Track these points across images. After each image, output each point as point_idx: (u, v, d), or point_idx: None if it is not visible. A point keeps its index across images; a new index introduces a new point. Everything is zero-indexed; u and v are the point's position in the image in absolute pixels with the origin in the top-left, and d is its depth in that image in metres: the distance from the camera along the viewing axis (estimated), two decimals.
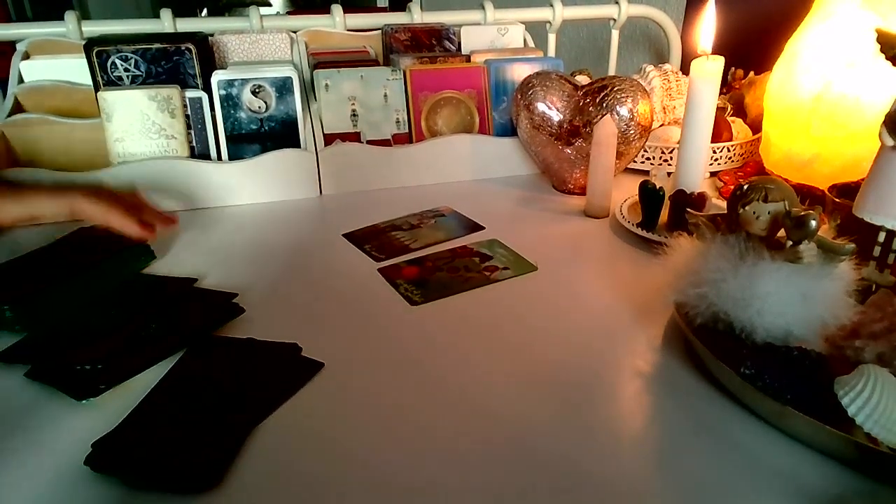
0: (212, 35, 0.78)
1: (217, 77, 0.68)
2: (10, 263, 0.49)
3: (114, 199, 0.47)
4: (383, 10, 2.40)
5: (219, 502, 0.31)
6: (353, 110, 0.75)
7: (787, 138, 0.66)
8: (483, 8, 0.93)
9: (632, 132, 0.67)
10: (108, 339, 0.42)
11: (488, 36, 0.89)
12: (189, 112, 0.69)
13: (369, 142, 0.76)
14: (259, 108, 0.70)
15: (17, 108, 0.72)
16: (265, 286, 0.53)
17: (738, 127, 0.80)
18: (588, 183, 0.66)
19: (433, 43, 0.87)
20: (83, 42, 0.70)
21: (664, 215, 0.62)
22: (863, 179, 0.45)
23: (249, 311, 0.48)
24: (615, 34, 1.07)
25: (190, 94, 0.68)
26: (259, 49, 0.81)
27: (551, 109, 0.70)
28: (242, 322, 0.47)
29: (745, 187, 0.38)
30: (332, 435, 0.35)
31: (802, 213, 0.35)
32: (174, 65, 0.69)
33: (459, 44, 0.88)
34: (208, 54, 0.74)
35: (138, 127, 0.67)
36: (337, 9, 0.90)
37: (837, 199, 0.51)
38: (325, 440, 0.35)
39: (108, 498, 0.31)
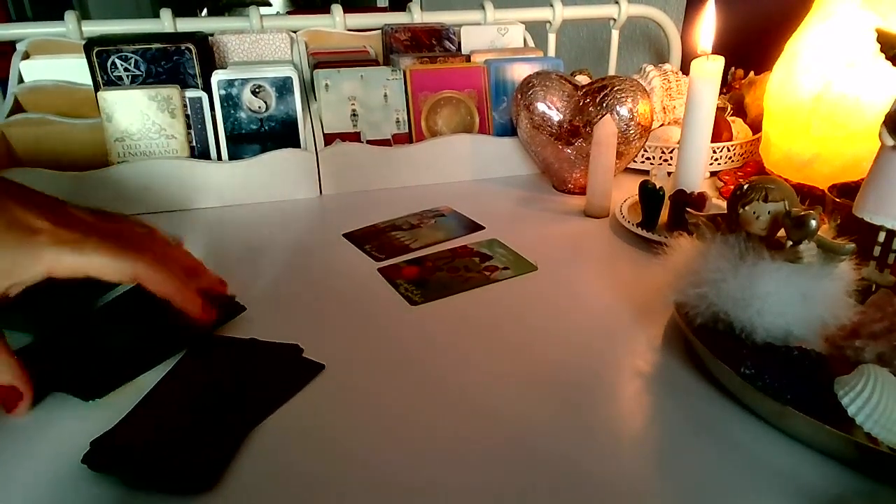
0: (212, 35, 0.78)
1: (217, 77, 0.68)
2: None
3: (178, 268, 0.41)
4: (383, 10, 2.40)
5: (218, 502, 0.31)
6: (353, 110, 0.75)
7: (787, 138, 0.66)
8: (483, 8, 0.93)
9: (632, 132, 0.67)
10: (111, 340, 0.42)
11: (488, 36, 0.89)
12: (189, 112, 0.69)
13: (369, 142, 0.76)
14: (259, 108, 0.70)
15: (17, 108, 0.72)
16: (265, 286, 0.53)
17: (738, 127, 0.80)
18: (588, 183, 0.66)
19: (433, 43, 0.87)
20: (83, 42, 0.70)
21: (664, 215, 0.62)
22: (863, 179, 0.45)
23: (249, 311, 0.48)
24: (615, 34, 1.07)
25: (190, 94, 0.68)
26: (259, 49, 0.81)
27: (551, 109, 0.70)
28: (243, 322, 0.47)
29: (745, 187, 0.38)
30: (332, 435, 0.35)
31: (802, 213, 0.35)
32: (174, 65, 0.69)
33: (459, 44, 0.88)
34: (208, 54, 0.74)
35: (138, 127, 0.67)
36: (337, 9, 0.90)
37: (837, 199, 0.51)
38: (325, 440, 0.35)
39: (107, 498, 0.31)
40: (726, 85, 0.93)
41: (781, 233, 0.38)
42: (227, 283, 0.47)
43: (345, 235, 0.62)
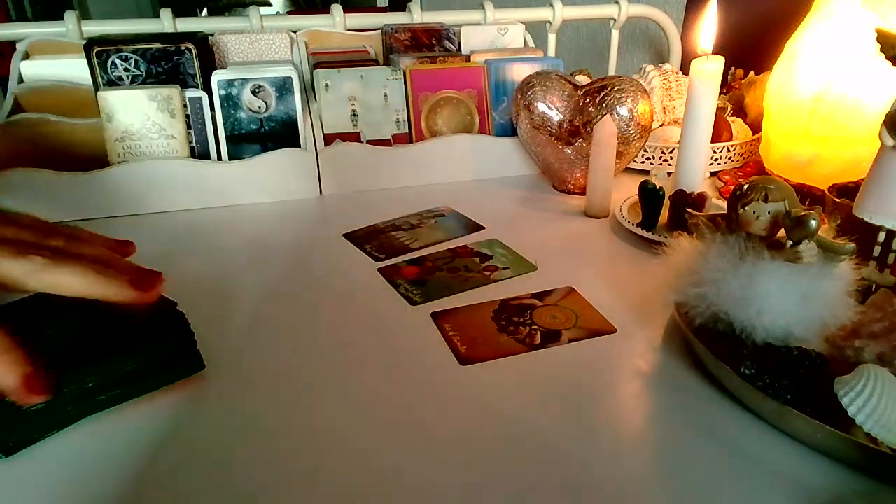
0: (212, 35, 0.78)
1: (217, 77, 0.68)
2: None
3: (91, 253, 0.34)
4: (383, 10, 2.40)
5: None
6: (353, 110, 0.75)
7: (787, 138, 0.66)
8: (483, 8, 0.93)
9: (632, 132, 0.67)
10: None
11: (488, 36, 0.89)
12: (189, 112, 0.69)
13: (369, 142, 0.76)
14: (259, 108, 0.70)
15: (17, 108, 0.72)
16: (265, 286, 0.53)
17: (738, 127, 0.80)
18: (588, 183, 0.66)
19: (433, 43, 0.87)
20: (83, 42, 0.70)
21: (664, 215, 0.62)
22: (863, 179, 0.45)
23: (249, 312, 0.48)
24: (615, 34, 1.07)
25: (190, 94, 0.68)
26: (259, 49, 0.81)
27: (551, 109, 0.70)
28: (240, 323, 0.47)
29: (745, 187, 0.38)
30: (332, 434, 0.35)
31: (802, 213, 0.35)
32: (174, 65, 0.69)
33: (459, 44, 0.88)
34: (208, 54, 0.74)
35: (138, 127, 0.67)
36: (337, 9, 0.90)
37: (837, 199, 0.51)
38: (325, 439, 0.35)
39: None
40: (726, 85, 0.93)
41: (781, 233, 0.38)
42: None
43: (345, 235, 0.62)
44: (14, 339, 0.32)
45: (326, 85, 0.74)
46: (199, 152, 0.70)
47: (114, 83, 0.68)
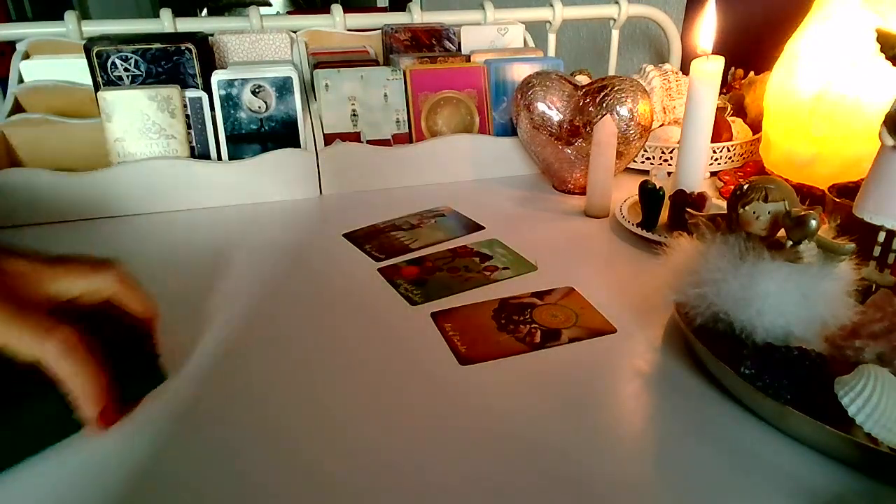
0: (212, 35, 0.78)
1: (217, 77, 0.68)
2: None
3: (94, 352, 0.33)
4: (383, 10, 2.40)
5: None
6: (353, 110, 0.75)
7: (787, 138, 0.66)
8: (483, 8, 0.93)
9: (632, 132, 0.67)
10: None
11: (488, 36, 0.89)
12: (189, 112, 0.69)
13: (369, 142, 0.76)
14: (259, 108, 0.70)
15: (17, 108, 0.72)
16: (264, 286, 0.53)
17: (738, 127, 0.80)
18: (588, 183, 0.66)
19: (433, 43, 0.87)
20: (83, 42, 0.70)
21: (664, 215, 0.62)
22: (863, 179, 0.45)
23: (249, 313, 0.48)
24: (615, 34, 1.07)
25: (190, 94, 0.68)
26: (259, 49, 0.81)
27: (551, 109, 0.70)
28: (241, 324, 0.47)
29: (745, 187, 0.38)
30: (332, 434, 0.35)
31: (802, 213, 0.35)
32: (174, 65, 0.69)
33: (459, 44, 0.88)
34: (208, 54, 0.74)
35: (138, 127, 0.67)
36: (337, 9, 0.90)
37: (837, 199, 0.51)
38: (325, 439, 0.35)
39: None
40: (726, 85, 0.93)
41: (781, 233, 0.38)
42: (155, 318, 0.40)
43: (345, 235, 0.62)
44: (104, 370, 0.33)
45: (326, 85, 0.74)
46: (199, 152, 0.70)
47: (114, 83, 0.68)
